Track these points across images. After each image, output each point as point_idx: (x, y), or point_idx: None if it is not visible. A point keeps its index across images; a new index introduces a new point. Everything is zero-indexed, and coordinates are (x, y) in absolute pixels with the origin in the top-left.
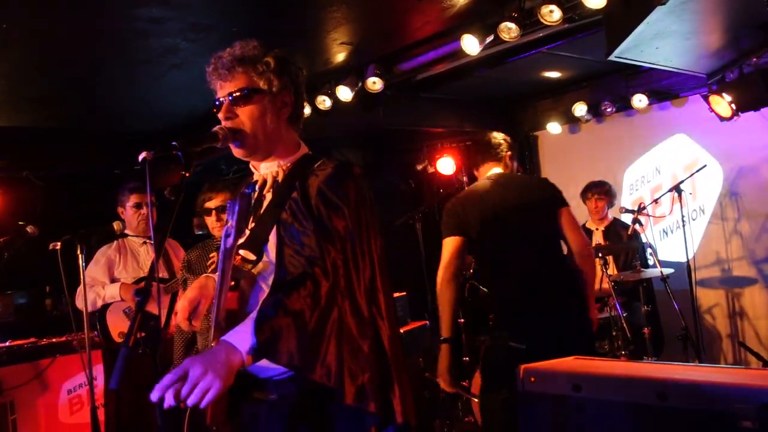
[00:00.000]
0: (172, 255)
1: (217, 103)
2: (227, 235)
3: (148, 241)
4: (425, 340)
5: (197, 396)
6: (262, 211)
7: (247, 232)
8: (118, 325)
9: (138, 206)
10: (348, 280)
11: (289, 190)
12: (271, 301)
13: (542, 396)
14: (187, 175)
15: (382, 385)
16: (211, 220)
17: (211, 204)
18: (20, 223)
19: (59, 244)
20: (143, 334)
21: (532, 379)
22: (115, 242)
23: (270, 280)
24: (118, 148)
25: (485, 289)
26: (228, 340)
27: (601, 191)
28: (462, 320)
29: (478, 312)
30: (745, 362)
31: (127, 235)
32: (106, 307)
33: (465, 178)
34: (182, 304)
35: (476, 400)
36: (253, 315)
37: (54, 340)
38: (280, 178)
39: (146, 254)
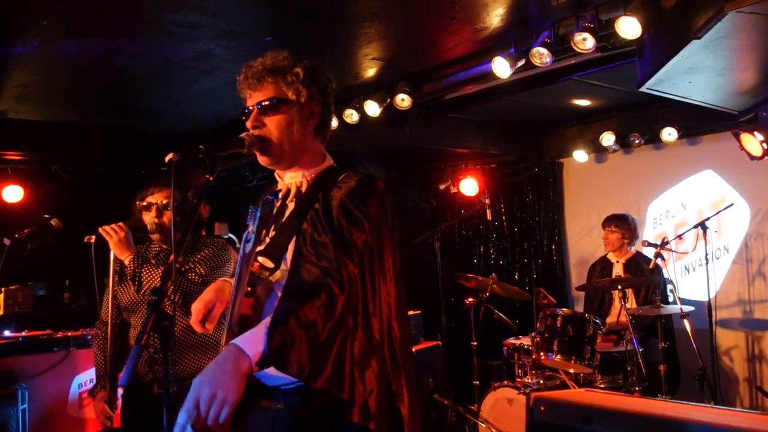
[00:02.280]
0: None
1: (245, 111)
2: (247, 241)
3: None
4: (437, 360)
5: (213, 417)
6: (283, 220)
7: (267, 239)
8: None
9: None
10: (363, 294)
11: (311, 201)
12: (285, 309)
13: (552, 427)
14: (211, 179)
15: (390, 403)
16: (150, 216)
17: (152, 199)
18: (45, 216)
19: (93, 237)
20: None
21: (542, 408)
22: None
23: None
24: (145, 147)
25: (499, 313)
26: (238, 345)
27: (612, 224)
28: (474, 343)
29: (490, 335)
30: (762, 408)
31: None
32: None
33: (487, 200)
34: (197, 306)
35: (484, 425)
36: (266, 321)
37: (69, 333)
38: (303, 189)
39: None
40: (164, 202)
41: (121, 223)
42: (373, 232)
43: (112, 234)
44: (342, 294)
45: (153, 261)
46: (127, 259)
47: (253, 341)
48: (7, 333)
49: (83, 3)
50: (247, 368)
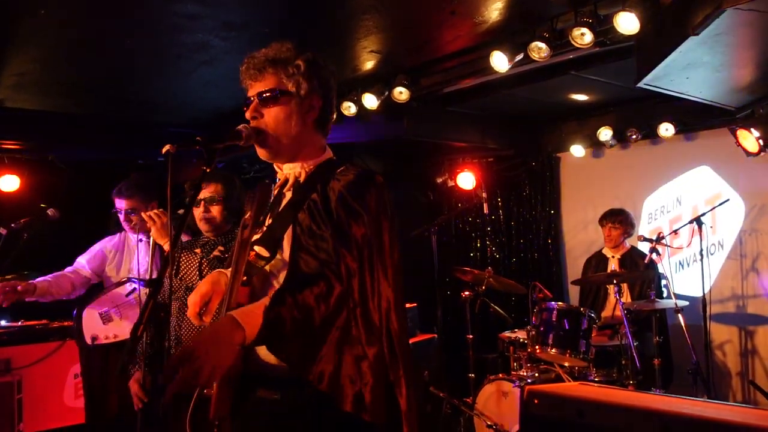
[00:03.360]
0: None
1: (246, 101)
2: (244, 227)
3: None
4: (432, 353)
5: (202, 378)
6: (280, 209)
7: (264, 228)
8: (90, 327)
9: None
10: (362, 286)
11: (309, 192)
12: (283, 293)
13: (545, 419)
14: (208, 170)
15: (388, 395)
16: (198, 212)
17: (200, 195)
18: (42, 205)
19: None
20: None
21: (536, 401)
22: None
23: (281, 278)
24: (142, 138)
25: (495, 307)
26: (235, 317)
27: (616, 220)
28: (470, 336)
29: (486, 329)
30: (754, 402)
31: None
32: (84, 305)
33: (484, 194)
34: (194, 299)
35: (479, 417)
36: (264, 300)
37: (66, 323)
38: (301, 179)
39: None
40: (209, 196)
41: (162, 209)
42: (372, 226)
43: (156, 219)
44: (340, 286)
45: (198, 250)
46: (166, 244)
47: (250, 316)
48: (3, 323)
49: None
50: (240, 340)
